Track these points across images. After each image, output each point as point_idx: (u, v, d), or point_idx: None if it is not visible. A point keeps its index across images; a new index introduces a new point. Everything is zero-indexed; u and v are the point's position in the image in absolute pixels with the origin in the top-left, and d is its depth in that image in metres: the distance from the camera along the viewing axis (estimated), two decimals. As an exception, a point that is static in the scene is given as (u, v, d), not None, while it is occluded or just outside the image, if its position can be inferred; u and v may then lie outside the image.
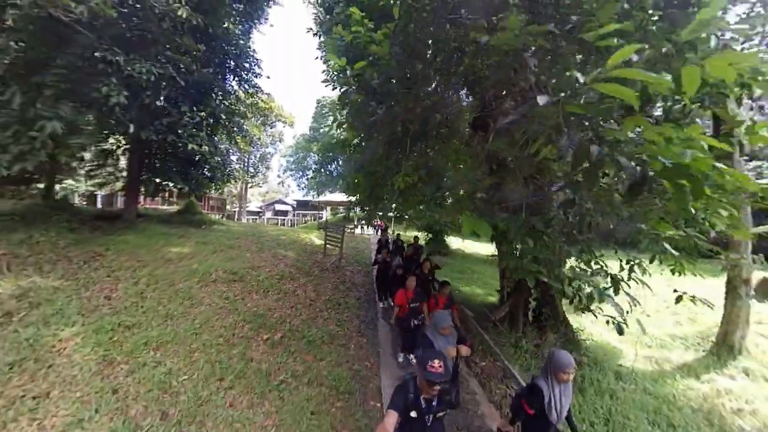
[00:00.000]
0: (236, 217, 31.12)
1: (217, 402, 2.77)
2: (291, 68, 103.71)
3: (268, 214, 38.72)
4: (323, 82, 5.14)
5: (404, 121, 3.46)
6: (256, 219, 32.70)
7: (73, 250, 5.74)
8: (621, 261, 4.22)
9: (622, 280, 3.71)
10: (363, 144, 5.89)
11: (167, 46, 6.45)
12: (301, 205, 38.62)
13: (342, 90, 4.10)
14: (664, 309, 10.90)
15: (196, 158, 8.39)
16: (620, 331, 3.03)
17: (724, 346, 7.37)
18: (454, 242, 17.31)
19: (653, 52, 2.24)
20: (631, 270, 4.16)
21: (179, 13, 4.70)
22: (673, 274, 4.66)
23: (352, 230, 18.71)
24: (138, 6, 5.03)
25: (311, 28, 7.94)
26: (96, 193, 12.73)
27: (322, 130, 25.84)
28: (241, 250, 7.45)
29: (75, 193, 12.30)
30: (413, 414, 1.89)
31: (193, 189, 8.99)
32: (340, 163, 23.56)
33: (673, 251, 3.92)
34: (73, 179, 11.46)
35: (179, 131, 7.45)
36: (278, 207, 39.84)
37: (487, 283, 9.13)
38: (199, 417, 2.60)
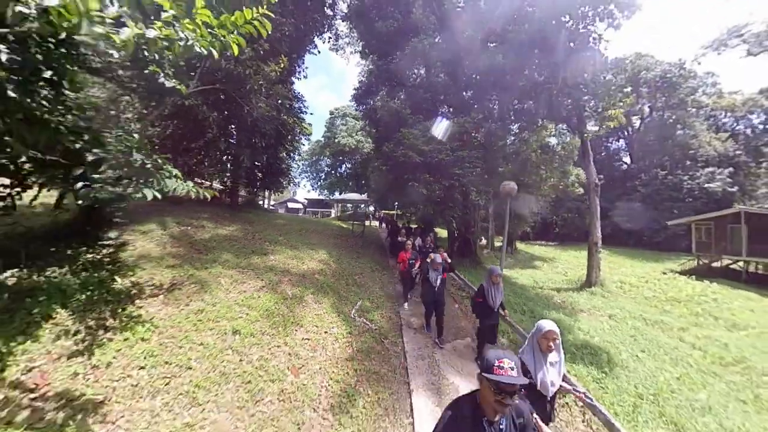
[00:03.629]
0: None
1: (342, 259, 9.24)
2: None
3: (281, 211, 45.16)
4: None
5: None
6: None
7: (234, 218, 12.12)
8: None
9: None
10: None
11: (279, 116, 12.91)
12: (312, 203, 45.15)
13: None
14: (576, 269, 17.56)
15: (278, 171, 14.89)
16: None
17: (586, 282, 13.75)
18: (444, 233, 23.96)
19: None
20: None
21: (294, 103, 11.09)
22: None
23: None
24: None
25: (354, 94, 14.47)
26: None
27: (337, 140, 32.30)
28: (308, 224, 13.93)
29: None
30: None
31: (273, 191, 15.49)
32: (358, 170, 30.26)
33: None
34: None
35: (274, 157, 13.95)
36: (290, 205, 46.31)
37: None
38: (339, 260, 9.00)
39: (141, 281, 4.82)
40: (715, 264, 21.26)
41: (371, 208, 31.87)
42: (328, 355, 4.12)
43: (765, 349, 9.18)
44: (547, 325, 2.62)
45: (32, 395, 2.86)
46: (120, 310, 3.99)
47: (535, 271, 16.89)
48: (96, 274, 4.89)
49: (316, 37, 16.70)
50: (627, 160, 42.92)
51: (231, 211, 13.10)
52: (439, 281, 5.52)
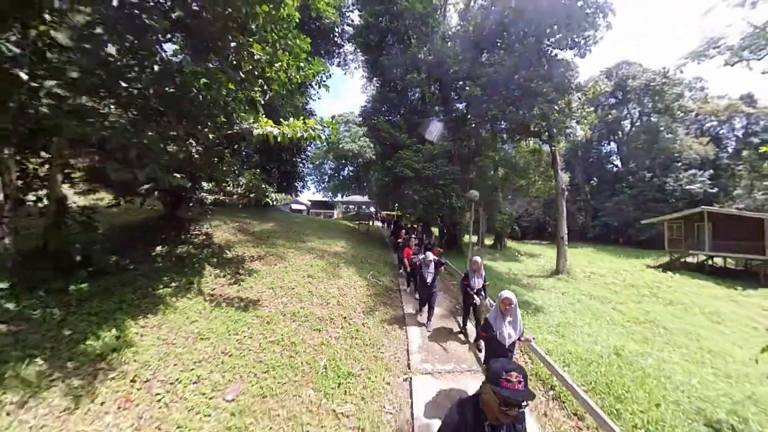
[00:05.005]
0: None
1: (356, 247, 12.55)
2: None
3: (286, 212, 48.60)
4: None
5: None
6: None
7: (265, 217, 15.40)
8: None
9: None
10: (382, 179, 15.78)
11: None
12: (315, 204, 48.43)
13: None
14: (551, 260, 20.84)
15: (295, 176, 18.26)
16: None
17: (555, 271, 17.03)
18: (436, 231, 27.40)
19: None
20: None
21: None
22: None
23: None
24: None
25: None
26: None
27: (341, 145, 35.62)
28: (320, 223, 17.25)
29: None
30: None
31: (290, 193, 18.85)
32: (360, 174, 34.05)
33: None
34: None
35: (292, 165, 17.31)
36: (294, 206, 49.55)
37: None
38: (354, 248, 12.30)
39: (240, 254, 8.13)
40: (691, 259, 24.39)
41: (371, 209, 35.24)
42: (357, 292, 7.45)
43: (681, 317, 12.39)
44: (505, 293, 3.61)
45: (222, 298, 6.14)
46: (241, 268, 7.30)
47: (516, 264, 20.17)
48: (210, 250, 8.19)
49: (326, 62, 20.10)
50: (618, 162, 46.34)
51: (259, 212, 16.46)
52: (430, 277, 6.52)
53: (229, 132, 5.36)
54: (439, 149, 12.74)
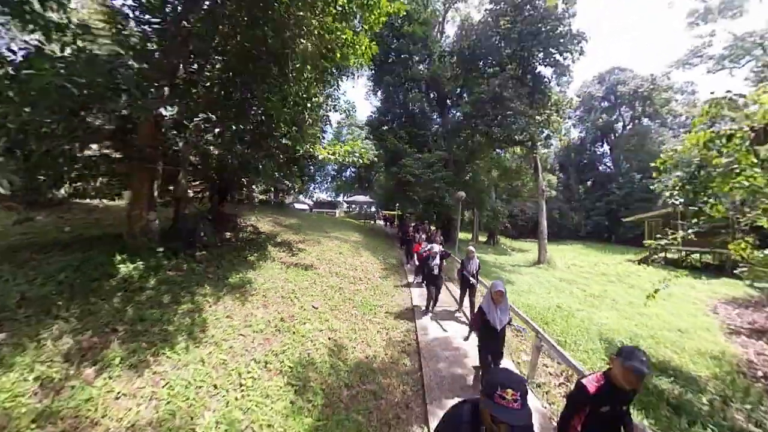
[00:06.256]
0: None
1: (367, 238, 15.97)
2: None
3: (287, 212, 52.18)
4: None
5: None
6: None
7: (286, 214, 18.83)
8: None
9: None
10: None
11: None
12: (318, 204, 52.00)
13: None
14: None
15: (308, 177, 21.71)
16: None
17: (537, 261, 20.60)
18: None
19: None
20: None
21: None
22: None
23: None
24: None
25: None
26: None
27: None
28: (331, 220, 20.72)
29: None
30: None
31: (305, 195, 22.32)
32: (362, 174, 37.74)
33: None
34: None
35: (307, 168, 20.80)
36: (297, 205, 53.04)
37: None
38: (366, 238, 15.79)
39: (286, 239, 11.58)
40: (671, 255, 27.76)
41: (373, 209, 38.66)
42: (374, 266, 10.99)
43: (634, 295, 15.77)
44: (498, 285, 4.40)
45: (289, 263, 9.59)
46: (293, 247, 10.76)
47: (505, 256, 23.75)
48: (264, 236, 11.62)
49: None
50: (610, 164, 50.09)
51: (278, 209, 19.94)
52: (436, 268, 7.61)
53: (296, 156, 8.81)
54: (436, 157, 16.31)
